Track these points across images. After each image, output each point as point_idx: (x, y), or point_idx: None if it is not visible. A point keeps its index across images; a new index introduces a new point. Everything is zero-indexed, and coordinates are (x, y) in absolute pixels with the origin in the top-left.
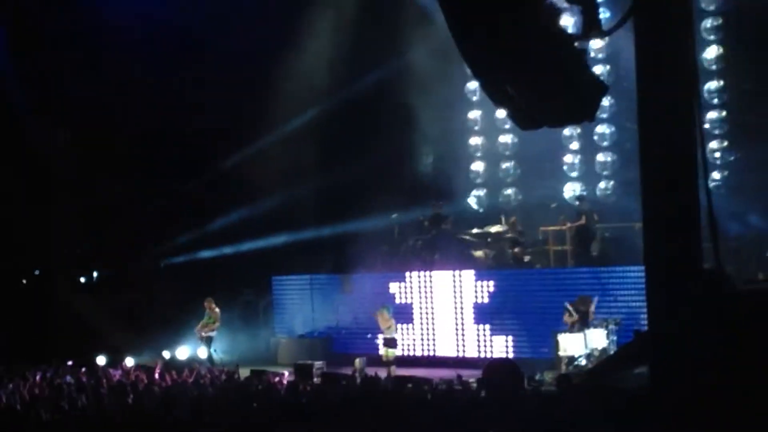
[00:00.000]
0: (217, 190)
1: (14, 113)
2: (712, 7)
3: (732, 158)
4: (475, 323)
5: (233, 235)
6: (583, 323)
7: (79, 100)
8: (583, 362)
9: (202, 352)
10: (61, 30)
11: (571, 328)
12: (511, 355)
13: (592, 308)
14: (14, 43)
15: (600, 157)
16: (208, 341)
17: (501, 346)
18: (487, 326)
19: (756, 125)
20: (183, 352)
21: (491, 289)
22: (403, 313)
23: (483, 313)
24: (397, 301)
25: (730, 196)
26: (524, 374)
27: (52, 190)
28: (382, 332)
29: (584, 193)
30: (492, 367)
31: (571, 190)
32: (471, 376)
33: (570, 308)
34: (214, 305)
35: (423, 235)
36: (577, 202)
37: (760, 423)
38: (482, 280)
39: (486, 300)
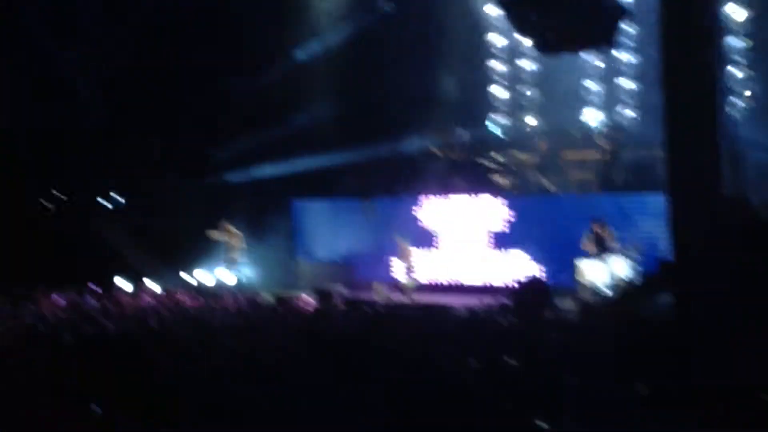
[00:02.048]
0: (238, 114)
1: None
2: None
3: (755, 86)
4: (496, 250)
5: (255, 159)
6: (602, 249)
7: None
8: (605, 291)
9: (226, 276)
10: None
11: (592, 255)
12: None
13: (609, 234)
14: None
15: (623, 83)
16: (233, 265)
17: (522, 273)
18: (509, 253)
19: None
20: (206, 276)
21: (513, 215)
22: (424, 239)
23: (504, 240)
24: (418, 226)
25: (753, 124)
26: (553, 295)
27: (75, 112)
28: (402, 259)
29: (610, 120)
30: (523, 286)
31: (594, 117)
32: (493, 303)
33: (588, 234)
34: (231, 228)
35: (440, 161)
36: (605, 130)
37: None
38: (505, 206)
39: (507, 226)
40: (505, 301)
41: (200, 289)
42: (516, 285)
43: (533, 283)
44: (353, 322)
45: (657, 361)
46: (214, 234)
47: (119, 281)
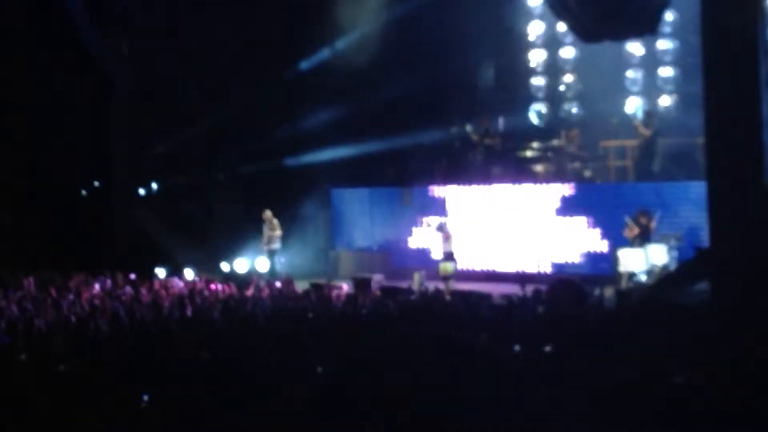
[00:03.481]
0: (277, 101)
1: (70, 18)
2: None
3: None
4: (534, 237)
5: (293, 147)
6: (644, 238)
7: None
8: (644, 278)
9: (262, 265)
10: None
11: (632, 243)
12: (570, 271)
13: (653, 223)
14: None
15: (662, 71)
16: (272, 254)
17: (562, 262)
18: (548, 241)
19: None
20: (242, 264)
21: (552, 203)
22: (463, 227)
23: (542, 228)
24: (457, 213)
25: None
26: (586, 294)
27: (112, 102)
28: (441, 246)
29: (649, 108)
30: (556, 285)
31: (633, 105)
32: (530, 291)
33: (630, 222)
34: (272, 216)
35: (477, 149)
36: (644, 117)
37: None
38: (543, 195)
39: (546, 215)
40: (540, 288)
41: (233, 277)
42: (550, 285)
43: (567, 283)
44: (387, 309)
45: (692, 349)
46: (266, 215)
47: (158, 270)
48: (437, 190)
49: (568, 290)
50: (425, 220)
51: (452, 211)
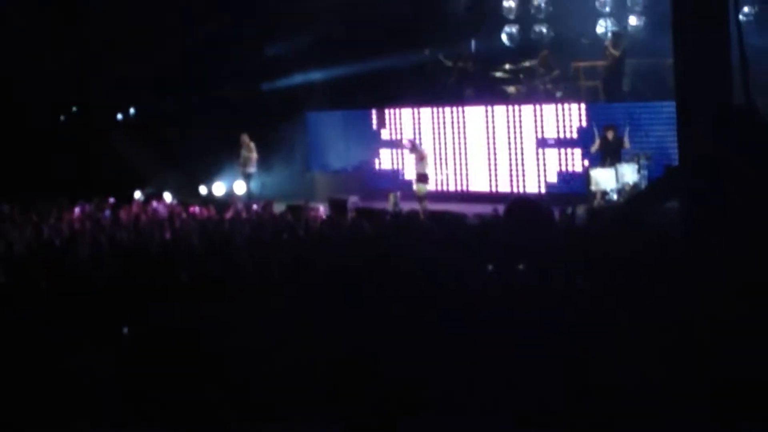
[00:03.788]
0: (250, 26)
1: None
2: None
3: None
4: (507, 158)
5: (268, 71)
6: (615, 157)
7: None
8: (615, 197)
9: (240, 188)
10: None
11: (604, 162)
12: (543, 190)
13: (618, 139)
14: None
15: None
16: (249, 177)
17: (534, 182)
18: (520, 161)
19: None
20: (219, 188)
21: (523, 124)
22: (436, 149)
23: (515, 149)
24: (430, 135)
25: (761, 31)
26: (545, 214)
27: (88, 24)
28: (415, 167)
29: (619, 28)
30: (513, 206)
31: (603, 25)
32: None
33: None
34: (249, 140)
35: (452, 72)
36: (613, 37)
37: None
38: (515, 116)
39: (517, 136)
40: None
41: (211, 200)
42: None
43: (524, 204)
44: (362, 229)
45: (659, 270)
46: (243, 139)
47: (137, 194)
48: (411, 113)
49: (527, 211)
50: (401, 140)
51: (426, 132)
